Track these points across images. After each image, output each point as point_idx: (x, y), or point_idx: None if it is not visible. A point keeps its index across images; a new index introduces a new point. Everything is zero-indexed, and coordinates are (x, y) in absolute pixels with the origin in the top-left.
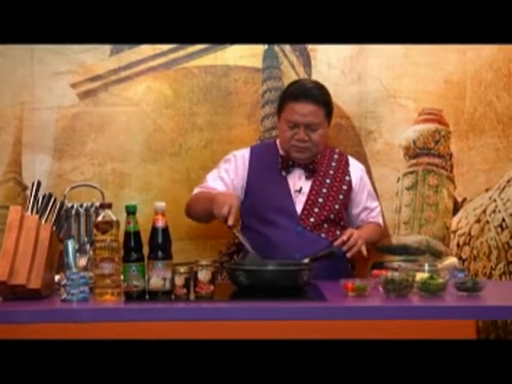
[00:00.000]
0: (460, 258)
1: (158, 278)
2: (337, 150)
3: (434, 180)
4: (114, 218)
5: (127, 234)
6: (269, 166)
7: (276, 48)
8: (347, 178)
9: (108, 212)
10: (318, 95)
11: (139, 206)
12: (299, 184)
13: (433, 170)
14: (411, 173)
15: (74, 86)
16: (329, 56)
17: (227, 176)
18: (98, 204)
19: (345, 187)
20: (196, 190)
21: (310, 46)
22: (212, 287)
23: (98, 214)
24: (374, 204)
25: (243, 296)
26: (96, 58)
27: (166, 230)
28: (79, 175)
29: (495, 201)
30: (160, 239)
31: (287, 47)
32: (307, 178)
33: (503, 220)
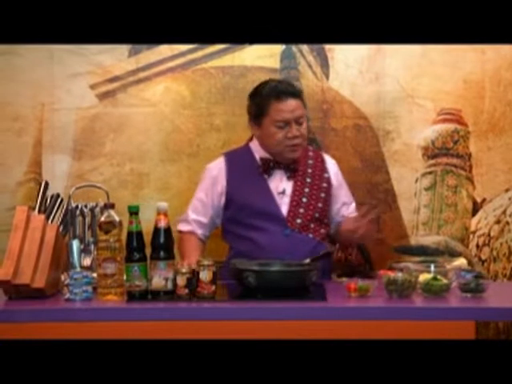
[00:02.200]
0: (479, 259)
1: (159, 278)
2: (310, 148)
3: (453, 180)
4: (116, 219)
5: (130, 234)
6: (247, 172)
7: (293, 48)
8: (326, 175)
9: (111, 212)
10: (294, 89)
11: None
12: (281, 186)
13: (451, 171)
14: (430, 173)
15: (92, 86)
16: (346, 56)
17: (206, 197)
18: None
19: (325, 185)
20: (180, 227)
21: (327, 46)
22: (213, 287)
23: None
24: (351, 199)
25: (244, 296)
26: (114, 58)
27: (168, 230)
28: (98, 176)
29: None
30: (162, 239)
31: (305, 47)
32: (289, 178)
33: None
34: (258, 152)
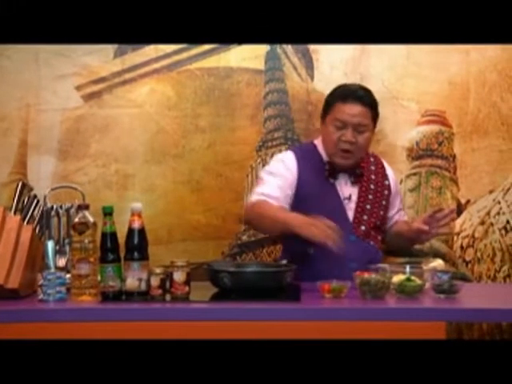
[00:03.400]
0: (464, 260)
1: (133, 279)
2: (370, 153)
3: (438, 182)
4: (90, 220)
5: (104, 235)
6: (315, 171)
7: (278, 50)
8: (386, 182)
9: (85, 213)
10: (366, 97)
11: (143, 206)
12: (347, 191)
13: (436, 172)
14: (414, 174)
15: (78, 88)
16: (331, 57)
17: (284, 184)
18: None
19: (386, 192)
20: (256, 198)
21: (312, 48)
22: (187, 288)
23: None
24: (402, 204)
25: (219, 297)
26: (100, 60)
27: (142, 231)
28: (83, 176)
29: (499, 203)
30: (136, 240)
31: (289, 49)
32: (353, 183)
33: (507, 222)
34: (324, 153)
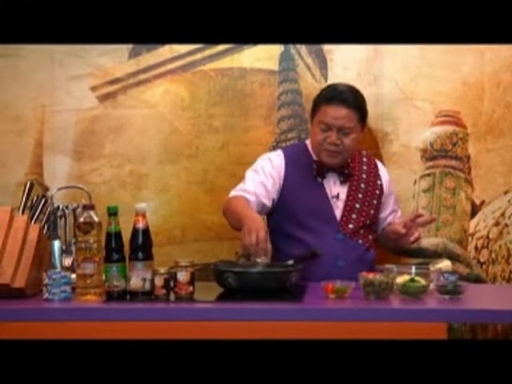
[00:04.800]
0: (478, 262)
1: (137, 279)
2: (364, 153)
3: (452, 182)
4: (95, 219)
5: (108, 235)
6: (303, 170)
7: (292, 50)
8: (378, 182)
9: (90, 213)
10: (352, 99)
11: (157, 206)
12: (335, 190)
13: (450, 173)
14: (428, 175)
15: (93, 88)
16: (345, 58)
17: (267, 180)
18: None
19: (377, 192)
20: (233, 194)
21: (325, 48)
22: (191, 288)
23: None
24: (397, 206)
25: (223, 297)
26: (115, 61)
27: (146, 231)
28: (98, 177)
29: None
30: (140, 240)
31: (303, 49)
32: (342, 182)
33: None
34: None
